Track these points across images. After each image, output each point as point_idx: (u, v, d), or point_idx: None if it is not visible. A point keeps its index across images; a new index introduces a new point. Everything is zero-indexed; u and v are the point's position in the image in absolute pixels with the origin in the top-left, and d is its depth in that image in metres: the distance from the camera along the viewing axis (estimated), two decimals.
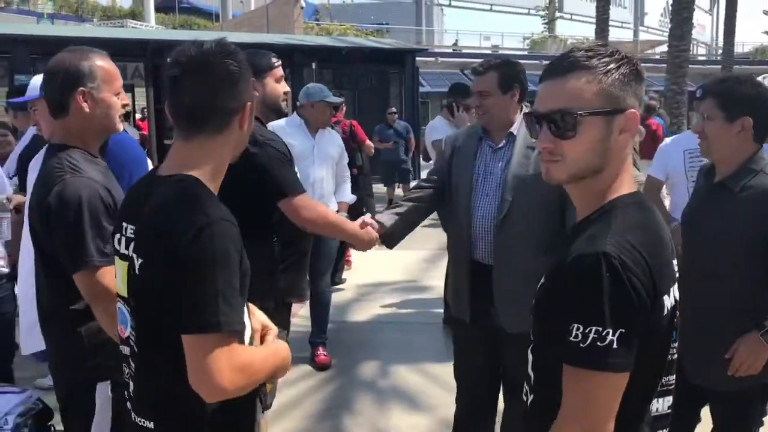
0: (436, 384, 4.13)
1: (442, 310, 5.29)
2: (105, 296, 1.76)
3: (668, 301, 1.22)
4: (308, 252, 3.14)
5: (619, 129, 1.24)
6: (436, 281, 6.27)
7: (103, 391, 1.95)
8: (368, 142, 7.12)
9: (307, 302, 4.66)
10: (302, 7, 22.04)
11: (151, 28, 26.60)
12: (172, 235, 1.30)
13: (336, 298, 5.45)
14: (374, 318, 5.58)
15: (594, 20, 13.81)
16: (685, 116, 10.33)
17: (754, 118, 2.17)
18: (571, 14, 39.57)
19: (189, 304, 1.28)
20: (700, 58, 34.62)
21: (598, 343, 1.11)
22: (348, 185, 4.82)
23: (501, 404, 2.77)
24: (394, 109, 10.89)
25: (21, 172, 3.35)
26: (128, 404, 1.52)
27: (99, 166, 2.01)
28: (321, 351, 4.52)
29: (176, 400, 1.39)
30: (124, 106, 2.09)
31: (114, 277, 1.59)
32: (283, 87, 2.79)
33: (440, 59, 23.52)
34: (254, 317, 1.58)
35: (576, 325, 1.12)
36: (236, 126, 1.46)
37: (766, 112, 2.20)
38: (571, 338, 1.12)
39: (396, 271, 6.87)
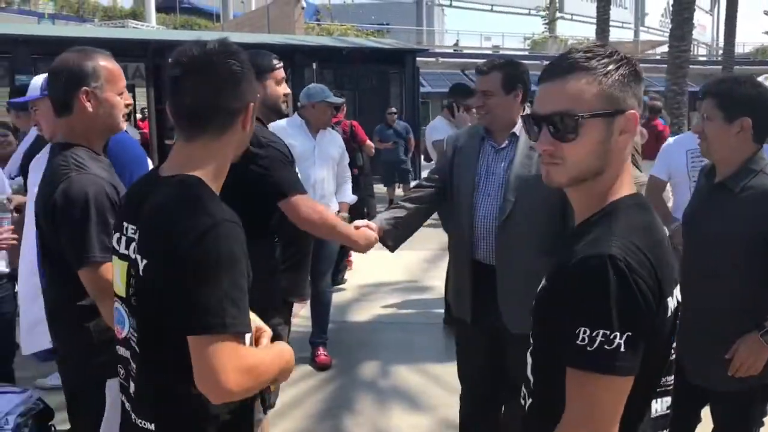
0: (437, 384, 4.13)
1: (442, 311, 5.29)
2: (110, 292, 1.76)
3: (671, 303, 1.21)
4: (310, 252, 3.15)
5: (619, 130, 1.23)
6: (437, 281, 6.27)
7: (114, 388, 1.95)
8: (369, 142, 7.13)
9: (308, 302, 4.66)
10: (303, 8, 22.05)
11: (152, 28, 26.60)
12: (178, 237, 1.30)
13: (336, 298, 5.46)
14: (375, 318, 5.58)
15: (595, 20, 13.81)
16: (685, 116, 10.34)
17: (754, 118, 2.17)
18: (572, 14, 39.54)
19: (195, 306, 1.28)
20: (701, 58, 34.60)
21: (606, 347, 1.10)
22: (349, 186, 4.82)
23: None
24: (393, 110, 10.89)
25: (25, 171, 3.35)
26: (127, 405, 1.51)
27: (103, 163, 2.03)
28: (321, 351, 4.52)
29: (177, 401, 1.40)
30: (127, 105, 2.11)
31: None
32: (284, 89, 2.80)
33: (441, 59, 23.51)
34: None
35: (583, 329, 1.11)
36: (239, 126, 1.46)
37: (765, 112, 2.20)
38: (578, 342, 1.11)
39: (397, 272, 6.87)
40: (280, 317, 2.81)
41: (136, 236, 1.41)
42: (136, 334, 1.43)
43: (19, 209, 3.14)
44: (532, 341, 1.32)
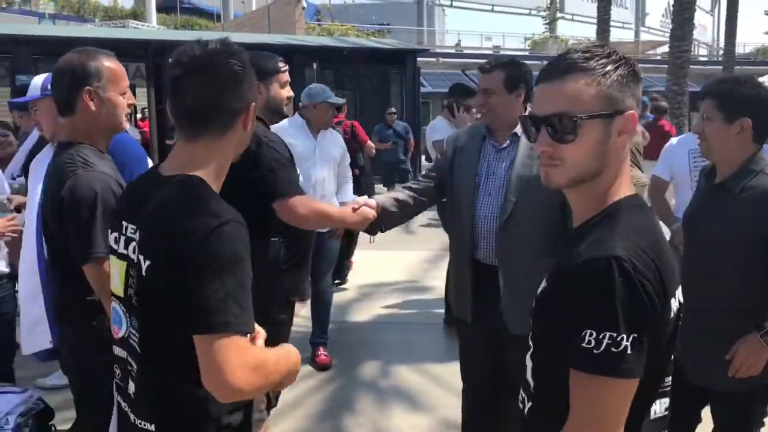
0: (437, 384, 4.13)
1: (443, 311, 5.29)
2: None
3: (674, 304, 1.21)
4: (311, 251, 3.15)
5: (618, 131, 1.23)
6: (437, 281, 6.27)
7: None
8: (369, 142, 7.13)
9: (308, 302, 4.67)
10: (303, 8, 22.06)
11: (152, 28, 26.62)
12: (182, 237, 1.30)
13: (337, 298, 5.46)
14: (375, 318, 5.58)
15: (595, 21, 13.82)
16: (686, 117, 10.35)
17: (754, 119, 2.17)
18: (572, 15, 39.50)
19: (199, 305, 1.28)
20: (702, 58, 34.56)
21: (613, 349, 1.09)
22: (350, 186, 4.81)
23: None
24: (393, 110, 10.87)
25: (27, 171, 3.36)
26: (124, 405, 1.51)
27: (107, 161, 2.05)
28: (322, 351, 4.52)
29: (178, 402, 1.40)
30: (129, 105, 2.12)
31: None
32: (287, 92, 2.81)
33: (441, 60, 23.49)
34: None
35: (588, 331, 1.10)
36: (240, 126, 1.47)
37: (765, 113, 2.20)
38: (584, 344, 1.10)
39: (397, 272, 6.86)
40: (285, 315, 2.82)
41: (136, 236, 1.41)
42: (136, 334, 1.43)
43: (20, 209, 3.15)
44: (531, 344, 1.31)
